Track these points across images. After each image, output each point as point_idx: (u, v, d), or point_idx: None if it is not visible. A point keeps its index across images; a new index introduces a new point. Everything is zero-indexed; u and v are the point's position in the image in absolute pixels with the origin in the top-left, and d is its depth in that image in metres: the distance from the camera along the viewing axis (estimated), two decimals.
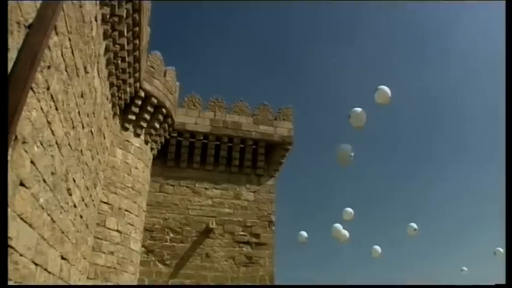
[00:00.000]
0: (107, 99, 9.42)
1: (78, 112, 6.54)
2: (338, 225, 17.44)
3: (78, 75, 6.22)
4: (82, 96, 6.69)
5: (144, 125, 11.95)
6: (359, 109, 9.89)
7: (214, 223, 14.12)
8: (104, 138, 9.66)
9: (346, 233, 18.02)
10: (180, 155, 14.60)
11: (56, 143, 5.46)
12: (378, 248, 19.45)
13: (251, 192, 15.20)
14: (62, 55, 5.25)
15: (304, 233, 22.54)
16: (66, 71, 5.51)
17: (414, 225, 18.32)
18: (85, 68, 6.65)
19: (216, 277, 13.54)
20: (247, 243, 14.41)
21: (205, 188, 14.67)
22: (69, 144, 6.19)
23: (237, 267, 13.94)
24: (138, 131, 11.84)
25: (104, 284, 9.62)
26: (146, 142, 12.29)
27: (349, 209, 18.26)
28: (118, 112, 10.91)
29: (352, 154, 11.50)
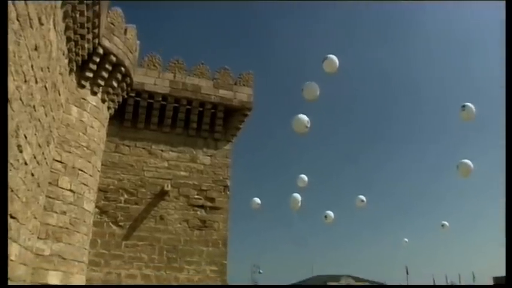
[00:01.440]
0: (63, 54, 9.03)
1: (31, 66, 6.24)
2: (297, 195, 17.86)
3: (31, 27, 5.90)
4: (36, 49, 6.37)
5: (102, 83, 11.58)
6: (312, 83, 10.07)
7: (169, 186, 14.00)
8: (59, 94, 9.30)
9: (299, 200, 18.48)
10: (137, 115, 14.28)
11: None
12: (331, 213, 20.06)
13: (208, 156, 15.13)
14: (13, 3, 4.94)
15: (257, 199, 22.94)
16: (17, 20, 5.21)
17: (362, 197, 19.12)
18: (39, 19, 6.30)
19: (170, 240, 13.54)
20: (202, 206, 14.42)
21: (162, 150, 14.49)
22: (21, 99, 5.91)
23: (190, 231, 13.97)
24: (95, 89, 11.48)
25: (55, 244, 9.44)
26: (103, 101, 11.95)
27: (304, 176, 18.72)
28: (75, 68, 10.49)
29: (309, 125, 11.75)
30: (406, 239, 24.73)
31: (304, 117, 11.02)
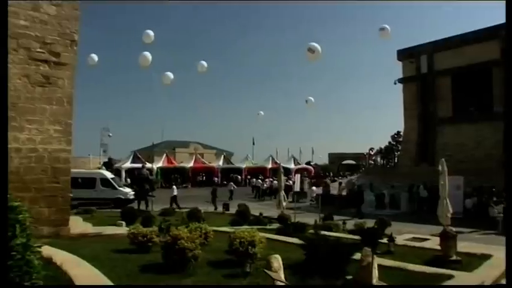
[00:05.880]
0: None
1: None
2: (147, 53, 17.90)
3: None
4: None
5: None
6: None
7: None
8: None
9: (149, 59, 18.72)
10: None
11: None
12: (169, 74, 20.76)
13: (53, 5, 13.51)
14: None
15: (94, 56, 22.24)
16: None
17: (204, 62, 20.31)
18: None
19: (9, 97, 12.44)
20: (46, 61, 13.23)
21: None
22: None
23: (32, 87, 12.91)
24: None
25: None
26: None
27: (150, 31, 18.75)
28: None
29: None
30: (261, 112, 26.89)
31: None
